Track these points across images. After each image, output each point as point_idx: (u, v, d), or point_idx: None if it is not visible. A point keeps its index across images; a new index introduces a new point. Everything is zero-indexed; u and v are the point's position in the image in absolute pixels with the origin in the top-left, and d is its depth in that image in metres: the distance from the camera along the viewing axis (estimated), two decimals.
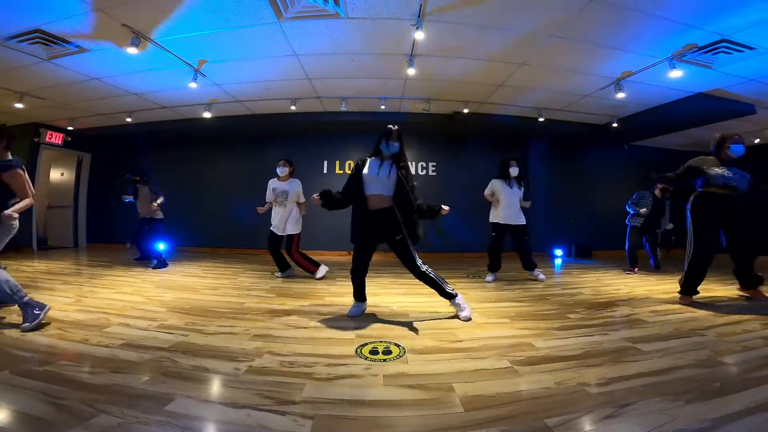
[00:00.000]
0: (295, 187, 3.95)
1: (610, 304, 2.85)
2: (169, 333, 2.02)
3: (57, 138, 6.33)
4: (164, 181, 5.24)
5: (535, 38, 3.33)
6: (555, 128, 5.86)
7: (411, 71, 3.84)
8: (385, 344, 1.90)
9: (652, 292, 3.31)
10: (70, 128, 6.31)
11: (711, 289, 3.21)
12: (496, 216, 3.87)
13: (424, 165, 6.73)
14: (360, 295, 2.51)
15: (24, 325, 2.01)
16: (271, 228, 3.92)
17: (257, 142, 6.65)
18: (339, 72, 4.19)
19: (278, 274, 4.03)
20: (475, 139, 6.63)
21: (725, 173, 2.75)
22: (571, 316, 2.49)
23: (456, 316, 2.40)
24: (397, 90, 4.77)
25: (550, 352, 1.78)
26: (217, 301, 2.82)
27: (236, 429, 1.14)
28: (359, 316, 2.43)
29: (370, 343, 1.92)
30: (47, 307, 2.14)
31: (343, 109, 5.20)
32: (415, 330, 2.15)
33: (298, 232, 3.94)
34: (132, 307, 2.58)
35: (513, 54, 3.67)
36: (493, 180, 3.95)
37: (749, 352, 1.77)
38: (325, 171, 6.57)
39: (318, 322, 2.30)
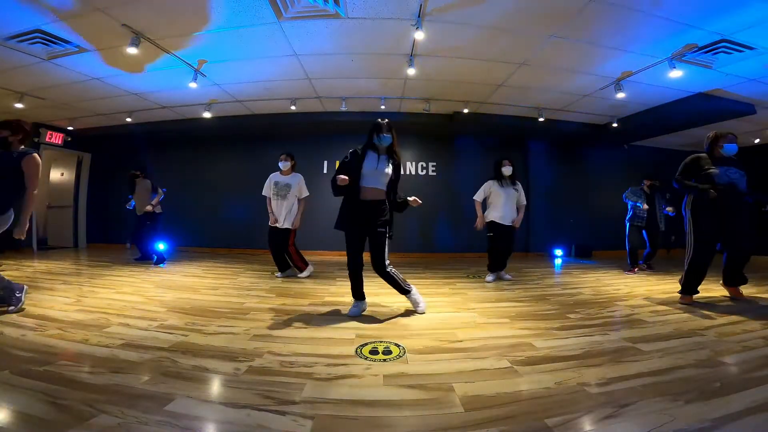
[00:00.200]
0: (298, 180, 3.96)
1: (610, 304, 2.85)
2: (169, 333, 2.02)
3: (57, 138, 6.34)
4: (164, 180, 5.23)
5: (535, 38, 3.33)
6: (555, 128, 5.85)
7: (411, 71, 3.84)
8: (385, 344, 1.90)
9: (652, 292, 3.32)
10: (70, 128, 6.31)
11: (711, 289, 3.20)
12: (492, 215, 3.87)
13: (424, 165, 6.72)
14: (359, 293, 2.51)
15: (11, 308, 2.24)
16: (269, 224, 3.93)
17: (257, 142, 6.65)
18: (339, 72, 4.19)
19: (278, 274, 4.03)
20: (475, 139, 6.63)
21: (728, 172, 2.74)
22: (571, 316, 2.49)
23: (414, 311, 2.51)
24: (397, 90, 4.77)
25: (550, 352, 1.78)
26: (217, 301, 2.82)
27: (236, 429, 1.14)
28: (359, 316, 2.43)
29: (370, 343, 1.92)
30: (25, 288, 2.40)
31: (343, 109, 5.20)
32: (415, 330, 2.15)
33: (297, 227, 3.97)
34: (132, 307, 2.58)
35: (513, 54, 3.67)
36: (488, 181, 3.93)
37: (749, 352, 1.77)
38: (325, 171, 6.57)
39: (318, 322, 2.30)
